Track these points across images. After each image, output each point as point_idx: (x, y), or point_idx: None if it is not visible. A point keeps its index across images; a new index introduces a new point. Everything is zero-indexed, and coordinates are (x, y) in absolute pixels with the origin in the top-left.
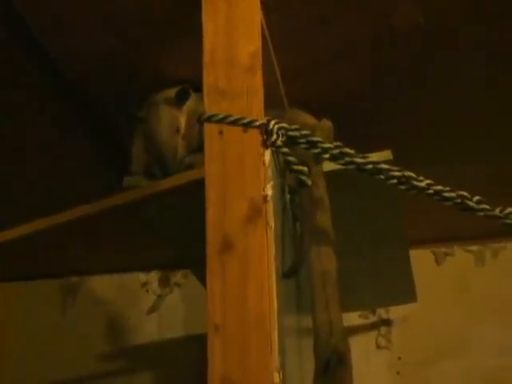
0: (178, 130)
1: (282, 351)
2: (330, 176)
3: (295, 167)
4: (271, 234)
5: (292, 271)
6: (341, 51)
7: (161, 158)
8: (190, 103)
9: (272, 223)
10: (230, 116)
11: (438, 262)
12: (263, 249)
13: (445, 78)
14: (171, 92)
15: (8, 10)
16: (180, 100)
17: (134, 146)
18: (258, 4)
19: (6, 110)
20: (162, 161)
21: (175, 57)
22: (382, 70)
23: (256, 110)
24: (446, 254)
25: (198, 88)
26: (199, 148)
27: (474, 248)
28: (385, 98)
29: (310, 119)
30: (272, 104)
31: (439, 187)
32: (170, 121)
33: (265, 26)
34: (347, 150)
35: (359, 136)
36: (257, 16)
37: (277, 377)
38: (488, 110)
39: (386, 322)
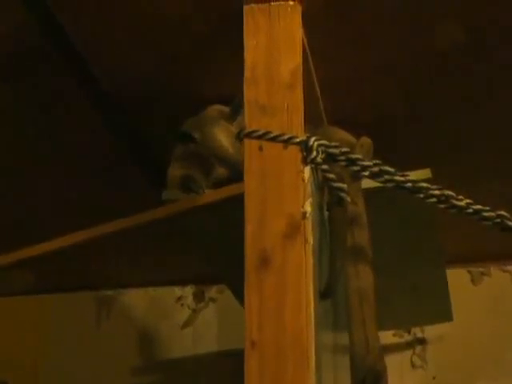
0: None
1: (318, 368)
2: (367, 193)
3: (335, 184)
4: (309, 251)
5: (326, 292)
6: (380, 68)
7: (231, 171)
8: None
9: (310, 240)
10: (270, 132)
11: (474, 281)
12: (301, 265)
13: (485, 95)
14: (220, 107)
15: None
16: (235, 112)
17: (173, 162)
18: (300, 21)
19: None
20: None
21: (215, 74)
22: (422, 87)
23: (296, 127)
24: (483, 274)
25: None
26: None
27: (511, 268)
28: (424, 115)
29: (348, 136)
30: (311, 120)
31: (478, 206)
32: (230, 135)
33: (306, 43)
34: (387, 167)
35: (397, 154)
36: (298, 33)
37: None
38: None
39: (421, 341)
